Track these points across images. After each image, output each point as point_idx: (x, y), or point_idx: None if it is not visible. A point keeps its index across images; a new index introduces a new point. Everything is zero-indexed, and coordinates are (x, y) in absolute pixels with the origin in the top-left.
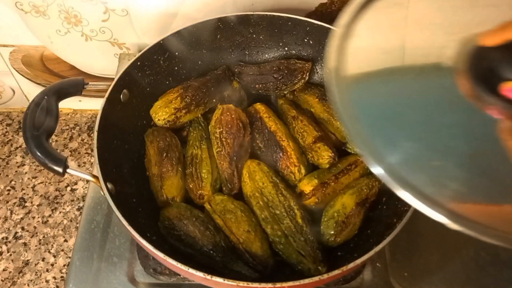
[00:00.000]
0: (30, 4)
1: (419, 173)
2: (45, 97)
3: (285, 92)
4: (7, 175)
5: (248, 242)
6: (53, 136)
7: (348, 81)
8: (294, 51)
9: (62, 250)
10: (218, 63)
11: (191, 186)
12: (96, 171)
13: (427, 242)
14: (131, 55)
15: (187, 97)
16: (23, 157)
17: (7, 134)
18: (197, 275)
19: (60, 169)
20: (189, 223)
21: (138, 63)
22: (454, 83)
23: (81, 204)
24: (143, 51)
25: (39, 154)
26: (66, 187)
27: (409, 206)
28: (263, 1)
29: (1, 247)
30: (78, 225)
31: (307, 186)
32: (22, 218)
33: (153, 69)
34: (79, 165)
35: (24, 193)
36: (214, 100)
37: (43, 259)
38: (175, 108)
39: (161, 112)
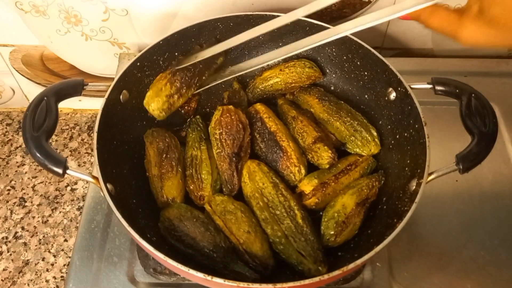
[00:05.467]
0: (30, 3)
1: None
2: (45, 98)
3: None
4: (7, 175)
5: (248, 242)
6: (53, 136)
7: None
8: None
9: (62, 250)
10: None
11: (191, 187)
12: (96, 171)
13: (427, 242)
14: (131, 55)
15: (176, 81)
16: (23, 157)
17: (7, 134)
18: (198, 276)
19: (60, 170)
20: (190, 224)
21: (138, 64)
22: None
23: (81, 204)
24: (142, 51)
25: (38, 155)
26: (66, 186)
27: (409, 206)
28: (263, 1)
29: (1, 247)
30: (78, 225)
31: (307, 186)
32: (22, 218)
33: (152, 69)
34: (79, 165)
35: (24, 193)
36: (204, 77)
37: (43, 259)
38: (167, 95)
39: (154, 103)
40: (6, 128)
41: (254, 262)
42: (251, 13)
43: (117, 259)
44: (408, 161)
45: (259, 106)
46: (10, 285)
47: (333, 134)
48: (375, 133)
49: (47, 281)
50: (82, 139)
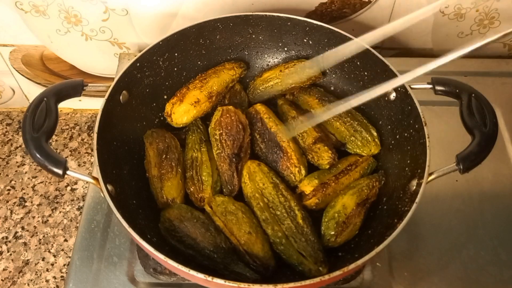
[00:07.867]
0: (30, 3)
1: None
2: (45, 98)
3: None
4: (7, 175)
5: (249, 243)
6: (53, 136)
7: None
8: (293, 52)
9: (62, 250)
10: (217, 64)
11: (192, 189)
12: (96, 172)
13: (427, 242)
14: (131, 55)
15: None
16: (23, 157)
17: (7, 133)
18: (198, 277)
19: (60, 171)
20: (190, 225)
21: (138, 64)
22: None
23: (81, 204)
24: (142, 52)
25: (38, 156)
26: (66, 186)
27: (409, 206)
28: (263, 1)
29: (1, 247)
30: (78, 224)
31: (307, 186)
32: (22, 218)
33: (152, 70)
34: (79, 165)
35: (24, 193)
36: None
37: (43, 259)
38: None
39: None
40: (6, 128)
41: (255, 262)
42: (251, 13)
43: (117, 259)
44: (408, 161)
45: (259, 107)
46: (10, 285)
47: (333, 134)
48: (375, 133)
49: (47, 281)
50: (82, 139)
